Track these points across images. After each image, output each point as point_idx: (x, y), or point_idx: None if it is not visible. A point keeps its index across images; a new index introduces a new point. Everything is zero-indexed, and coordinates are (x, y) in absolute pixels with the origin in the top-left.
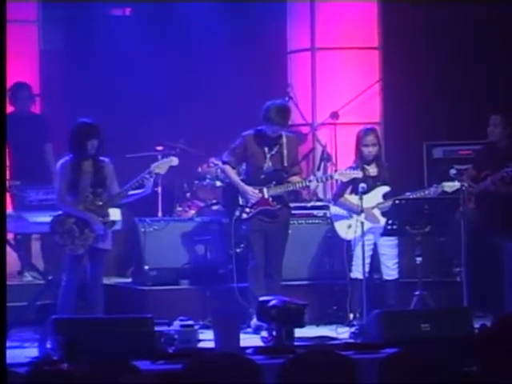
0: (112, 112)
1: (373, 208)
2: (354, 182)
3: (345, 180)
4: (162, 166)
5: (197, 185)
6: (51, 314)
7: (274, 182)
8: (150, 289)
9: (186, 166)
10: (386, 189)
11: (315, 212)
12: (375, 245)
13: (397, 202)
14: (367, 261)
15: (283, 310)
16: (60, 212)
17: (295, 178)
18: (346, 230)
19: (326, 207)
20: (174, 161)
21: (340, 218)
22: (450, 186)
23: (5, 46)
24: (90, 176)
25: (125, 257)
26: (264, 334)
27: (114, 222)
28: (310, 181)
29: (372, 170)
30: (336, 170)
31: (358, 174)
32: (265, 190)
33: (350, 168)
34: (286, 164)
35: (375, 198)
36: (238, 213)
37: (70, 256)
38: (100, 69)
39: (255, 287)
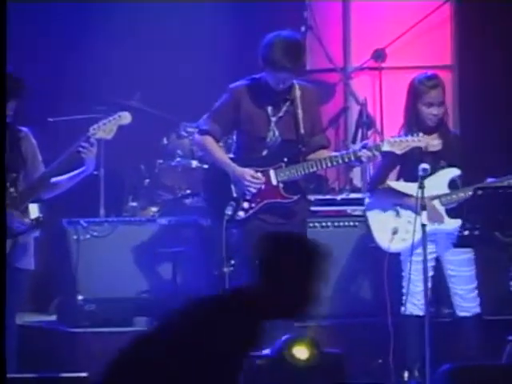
0: (38, 58)
1: (432, 199)
2: (403, 160)
3: (399, 152)
4: (106, 128)
5: (161, 166)
6: None
7: (285, 160)
8: (85, 332)
9: (143, 136)
10: (454, 172)
11: (349, 209)
12: (438, 260)
13: (479, 192)
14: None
15: (279, 366)
16: None
17: (321, 153)
18: (388, 235)
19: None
20: (125, 117)
21: (378, 209)
22: None
23: (5, 45)
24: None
25: (46, 282)
26: None
27: (39, 221)
28: (343, 156)
29: (433, 142)
30: (382, 141)
31: (420, 142)
32: (271, 172)
33: (406, 134)
34: (302, 131)
35: (437, 185)
36: (230, 210)
37: None
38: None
39: None
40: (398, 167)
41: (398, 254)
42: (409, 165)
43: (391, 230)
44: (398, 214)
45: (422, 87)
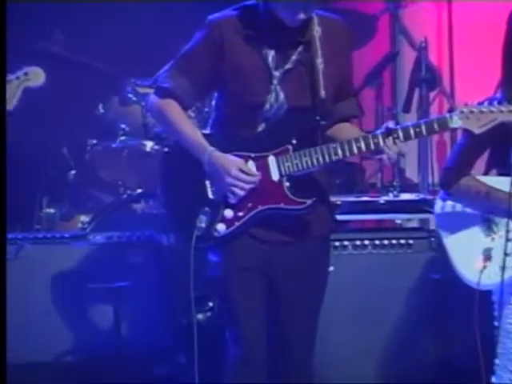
0: None
1: None
2: (496, 141)
3: (477, 130)
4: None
5: (95, 150)
6: None
7: (293, 142)
8: None
9: (67, 101)
10: None
11: (399, 218)
12: None
13: None
14: None
15: None
16: None
17: (350, 129)
18: (476, 261)
19: (425, 204)
20: (34, 75)
21: (458, 220)
22: None
23: (5, 44)
24: None
25: None
26: None
27: None
28: (387, 132)
29: None
30: (451, 109)
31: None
32: (271, 160)
33: (491, 101)
34: (322, 93)
35: None
36: (203, 222)
37: None
38: None
39: None
40: (487, 151)
41: (489, 293)
42: (504, 148)
43: (481, 252)
44: (490, 227)
45: None
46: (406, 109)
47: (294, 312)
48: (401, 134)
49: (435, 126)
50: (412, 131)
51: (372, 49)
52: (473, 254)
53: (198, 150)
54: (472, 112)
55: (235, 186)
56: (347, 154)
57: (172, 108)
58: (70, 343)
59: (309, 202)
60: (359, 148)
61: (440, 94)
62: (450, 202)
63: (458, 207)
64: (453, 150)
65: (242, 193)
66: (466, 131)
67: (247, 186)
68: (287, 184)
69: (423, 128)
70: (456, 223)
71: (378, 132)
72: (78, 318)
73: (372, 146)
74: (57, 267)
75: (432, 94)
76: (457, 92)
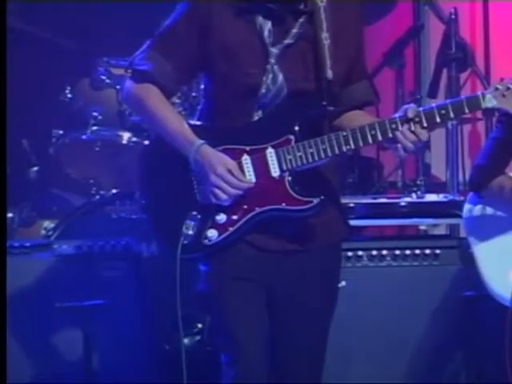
0: None
1: None
2: None
3: None
4: None
5: (61, 142)
6: None
7: (295, 129)
8: None
9: (27, 84)
10: None
11: (423, 224)
12: None
13: None
14: None
15: None
16: None
17: (362, 116)
18: (509, 276)
19: (455, 207)
20: None
21: (491, 227)
22: None
23: (5, 46)
24: None
25: None
26: None
27: None
28: (407, 121)
29: None
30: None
31: None
32: (270, 153)
33: None
34: (328, 73)
35: None
36: (191, 229)
37: None
38: None
39: None
40: None
41: None
42: None
43: None
44: None
45: None
46: (432, 93)
47: (299, 331)
48: (424, 119)
49: (465, 106)
50: (437, 114)
51: (392, 22)
52: (506, 266)
53: (184, 143)
54: (509, 89)
55: (218, 187)
56: (360, 143)
57: (152, 94)
58: (30, 376)
59: (316, 201)
60: (374, 136)
61: (473, 75)
62: (481, 207)
63: (490, 209)
64: (484, 143)
65: (224, 196)
66: (501, 121)
67: (233, 191)
68: (289, 181)
69: (450, 109)
70: (488, 229)
71: (397, 116)
72: (40, 345)
73: (389, 134)
74: (15, 283)
75: (463, 76)
76: (492, 73)
